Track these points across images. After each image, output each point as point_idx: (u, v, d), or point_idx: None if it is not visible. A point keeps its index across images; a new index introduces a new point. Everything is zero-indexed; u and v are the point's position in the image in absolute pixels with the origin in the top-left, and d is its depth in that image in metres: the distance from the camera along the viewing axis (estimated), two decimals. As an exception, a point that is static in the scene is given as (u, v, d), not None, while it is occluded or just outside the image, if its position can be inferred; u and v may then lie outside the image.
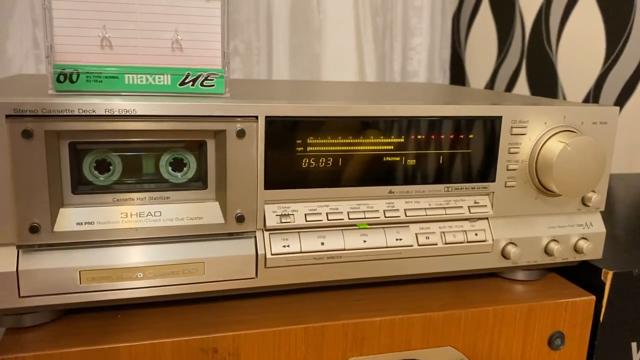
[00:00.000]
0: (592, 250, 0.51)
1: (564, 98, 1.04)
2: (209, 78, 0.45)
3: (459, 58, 1.31)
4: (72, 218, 0.41)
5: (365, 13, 1.10)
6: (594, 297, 0.50)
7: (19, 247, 0.39)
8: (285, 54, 1.05)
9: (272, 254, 0.44)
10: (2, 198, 0.38)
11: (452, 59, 1.30)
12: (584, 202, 0.51)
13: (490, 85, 1.21)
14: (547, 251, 0.51)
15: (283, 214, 0.45)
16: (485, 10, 1.23)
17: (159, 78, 0.44)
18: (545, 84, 1.08)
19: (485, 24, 1.23)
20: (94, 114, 0.39)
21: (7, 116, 0.37)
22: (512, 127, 0.48)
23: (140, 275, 0.42)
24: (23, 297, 0.40)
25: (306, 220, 0.45)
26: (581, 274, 0.53)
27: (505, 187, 0.49)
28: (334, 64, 1.09)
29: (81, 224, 0.41)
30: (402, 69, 1.17)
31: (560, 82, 1.04)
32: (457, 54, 1.31)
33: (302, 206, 0.45)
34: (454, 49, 1.31)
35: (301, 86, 0.71)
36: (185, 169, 0.44)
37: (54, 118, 0.38)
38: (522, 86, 1.14)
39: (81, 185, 0.42)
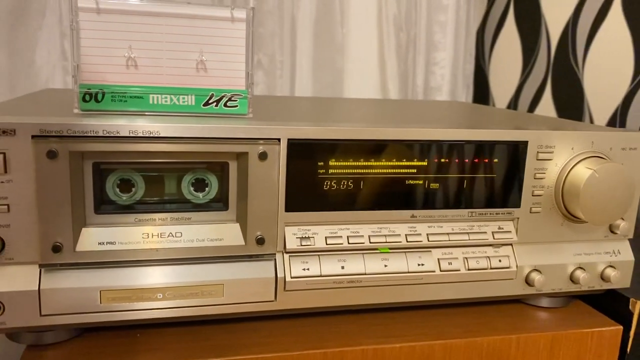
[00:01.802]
0: (620, 279, 0.50)
1: (590, 116, 1.02)
2: (232, 99, 0.45)
3: (483, 73, 1.29)
4: (94, 238, 0.41)
5: (389, 28, 1.10)
6: (621, 327, 0.49)
7: (41, 266, 0.40)
8: (309, 68, 1.05)
9: (291, 277, 0.44)
10: (26, 217, 0.39)
11: (475, 74, 1.29)
12: (611, 229, 0.50)
13: (515, 101, 1.20)
14: (572, 279, 0.49)
15: (303, 236, 0.44)
16: (510, 25, 1.21)
17: (183, 98, 0.44)
18: (571, 101, 1.06)
19: (509, 39, 1.21)
20: (118, 135, 0.39)
21: (32, 136, 0.38)
22: (538, 152, 0.47)
23: (160, 296, 0.42)
24: (44, 315, 0.40)
25: (327, 244, 0.45)
26: (608, 302, 0.52)
27: (530, 213, 0.48)
28: (356, 79, 1.09)
29: (103, 243, 0.41)
30: (425, 84, 1.17)
31: (586, 100, 1.02)
32: (481, 69, 1.30)
33: (322, 229, 0.45)
34: (478, 64, 1.30)
35: (323, 104, 0.71)
36: (206, 189, 0.44)
37: (78, 139, 0.39)
38: (547, 102, 1.12)
39: (104, 205, 0.42)
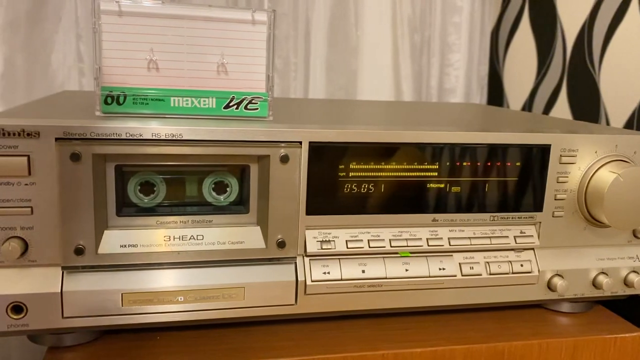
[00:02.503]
0: (643, 284, 0.49)
1: (607, 119, 1.01)
2: (253, 101, 0.45)
3: (497, 75, 1.28)
4: (116, 240, 0.41)
5: (404, 30, 1.10)
6: (644, 334, 0.49)
7: (63, 268, 0.40)
8: (322, 70, 1.04)
9: (312, 281, 0.44)
10: (49, 220, 0.39)
11: (489, 76, 1.28)
12: (635, 234, 0.49)
13: (530, 103, 1.19)
14: (595, 284, 0.49)
15: (324, 240, 0.44)
16: (525, 26, 1.21)
17: (204, 101, 0.44)
18: (587, 103, 1.05)
19: (524, 41, 1.21)
20: (141, 137, 0.39)
21: (56, 139, 0.38)
22: (561, 156, 0.46)
23: (181, 299, 0.42)
24: (66, 317, 0.40)
25: (347, 247, 0.44)
26: (630, 307, 0.51)
27: (553, 217, 0.47)
28: (370, 81, 1.08)
29: (125, 246, 0.41)
30: (439, 86, 1.16)
31: (602, 102, 1.01)
32: (495, 71, 1.29)
33: (343, 232, 0.45)
34: (492, 65, 1.29)
35: (339, 107, 0.70)
36: (227, 192, 0.44)
37: (102, 141, 0.39)
38: (562, 105, 1.11)
39: (125, 207, 0.42)
